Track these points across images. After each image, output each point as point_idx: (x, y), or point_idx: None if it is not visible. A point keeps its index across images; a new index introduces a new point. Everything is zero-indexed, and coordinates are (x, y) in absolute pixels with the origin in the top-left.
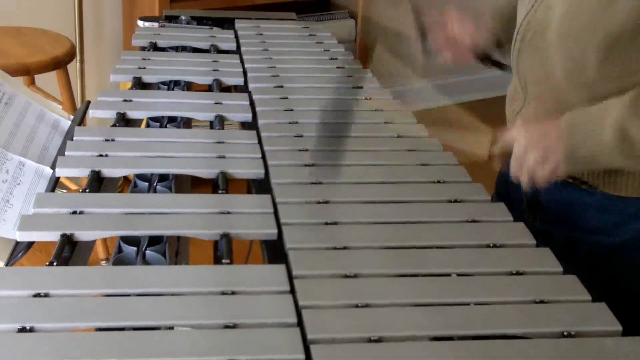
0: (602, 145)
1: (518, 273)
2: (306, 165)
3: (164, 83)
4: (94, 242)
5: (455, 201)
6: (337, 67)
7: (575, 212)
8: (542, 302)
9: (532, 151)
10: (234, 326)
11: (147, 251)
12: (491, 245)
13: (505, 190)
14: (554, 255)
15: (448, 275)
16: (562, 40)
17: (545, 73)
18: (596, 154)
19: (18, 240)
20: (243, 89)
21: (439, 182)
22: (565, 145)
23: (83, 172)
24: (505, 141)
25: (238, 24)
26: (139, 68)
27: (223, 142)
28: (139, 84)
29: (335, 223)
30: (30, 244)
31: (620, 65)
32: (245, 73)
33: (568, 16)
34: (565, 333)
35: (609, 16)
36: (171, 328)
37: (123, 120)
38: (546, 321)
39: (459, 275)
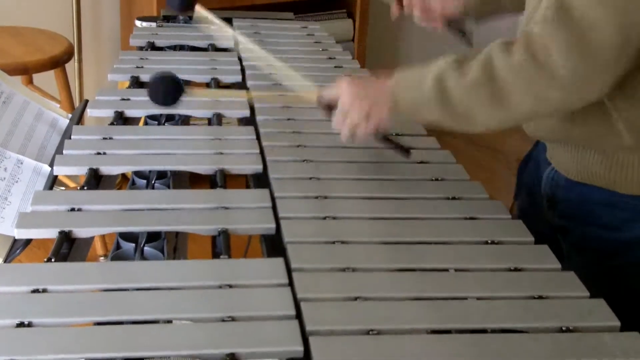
0: (422, 96)
1: (516, 269)
2: (304, 161)
3: None
4: (92, 238)
5: (454, 198)
6: (335, 67)
7: (588, 209)
8: (540, 297)
9: (356, 106)
10: (233, 319)
11: (145, 247)
12: (489, 241)
13: (527, 189)
14: (564, 249)
15: (446, 270)
16: None
17: None
18: (417, 104)
19: (16, 237)
20: (241, 86)
21: (437, 179)
22: (390, 99)
23: (81, 170)
24: (330, 94)
25: (236, 23)
26: (137, 67)
27: (221, 139)
28: (137, 83)
29: (333, 217)
30: (28, 241)
31: None
32: (243, 71)
33: None
34: (563, 328)
35: None
36: (170, 322)
37: (121, 119)
38: (544, 316)
39: (457, 270)
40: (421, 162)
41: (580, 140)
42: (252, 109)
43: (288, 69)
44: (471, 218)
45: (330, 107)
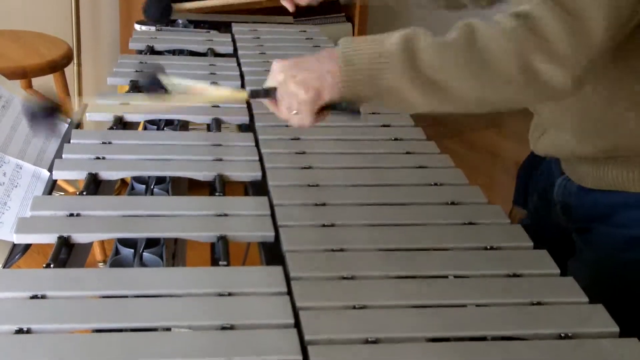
0: (383, 55)
1: (515, 275)
2: (303, 168)
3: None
4: (91, 244)
5: (453, 203)
6: None
7: (602, 211)
8: (539, 303)
9: (292, 78)
10: (232, 327)
11: (144, 253)
12: (488, 247)
13: (539, 194)
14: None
15: (445, 277)
16: None
17: (552, 103)
18: (375, 65)
19: (15, 242)
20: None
21: (436, 184)
22: (341, 56)
23: (80, 175)
24: (268, 81)
25: (235, 27)
26: (136, 71)
27: (220, 145)
28: (136, 87)
29: (332, 225)
30: (27, 246)
31: None
32: (242, 76)
33: None
34: (562, 334)
35: None
36: (168, 329)
37: (120, 124)
38: (543, 323)
39: (456, 277)
40: (420, 167)
41: (602, 154)
42: (251, 115)
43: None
44: (470, 223)
45: (268, 94)
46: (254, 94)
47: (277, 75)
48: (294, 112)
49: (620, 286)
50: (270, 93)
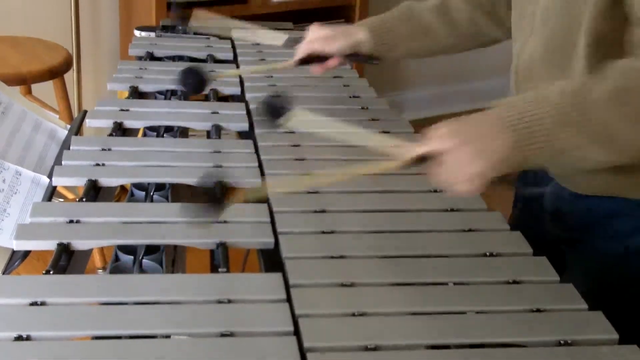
0: (547, 114)
1: (515, 282)
2: (303, 175)
3: (160, 92)
4: (90, 251)
5: (452, 210)
6: (334, 77)
7: (595, 220)
8: (538, 310)
9: (459, 148)
10: (231, 334)
11: (143, 260)
12: (488, 254)
13: (524, 202)
14: (566, 260)
15: (445, 284)
16: (548, 71)
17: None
18: (541, 118)
19: (15, 249)
20: (240, 98)
21: (435, 191)
22: (503, 129)
23: (80, 181)
24: (425, 147)
25: (235, 33)
26: (136, 77)
27: (220, 152)
28: (136, 93)
29: (332, 232)
30: (27, 253)
31: None
32: (242, 82)
33: (549, 47)
34: (561, 341)
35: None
36: (168, 336)
37: (120, 130)
38: (543, 330)
39: (455, 284)
40: (419, 174)
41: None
42: (251, 122)
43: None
44: (470, 230)
45: (424, 160)
46: (416, 162)
47: (444, 141)
48: (460, 181)
49: (616, 296)
50: (432, 158)
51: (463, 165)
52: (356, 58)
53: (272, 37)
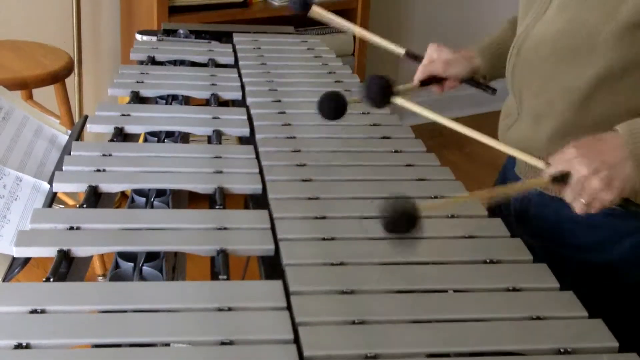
0: None
1: (515, 289)
2: (304, 181)
3: (162, 97)
4: (90, 257)
5: (452, 217)
6: (336, 82)
7: (564, 228)
8: (538, 318)
9: (595, 174)
10: (231, 342)
11: (144, 267)
12: (488, 261)
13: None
14: None
15: (445, 291)
16: (557, 55)
17: (539, 87)
18: None
19: (15, 256)
20: (241, 103)
21: (436, 197)
22: (632, 156)
23: (80, 187)
24: (559, 166)
25: (236, 37)
26: (137, 82)
27: (220, 157)
28: (137, 98)
29: (332, 239)
30: (27, 260)
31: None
32: (243, 87)
33: (565, 33)
34: (561, 349)
35: (607, 32)
36: (168, 345)
37: (121, 135)
38: (543, 337)
39: (455, 291)
40: (420, 179)
41: None
42: (252, 127)
43: None
44: (470, 236)
45: (562, 181)
46: (555, 180)
47: (576, 164)
48: (587, 202)
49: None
50: (565, 179)
51: (591, 191)
52: (473, 84)
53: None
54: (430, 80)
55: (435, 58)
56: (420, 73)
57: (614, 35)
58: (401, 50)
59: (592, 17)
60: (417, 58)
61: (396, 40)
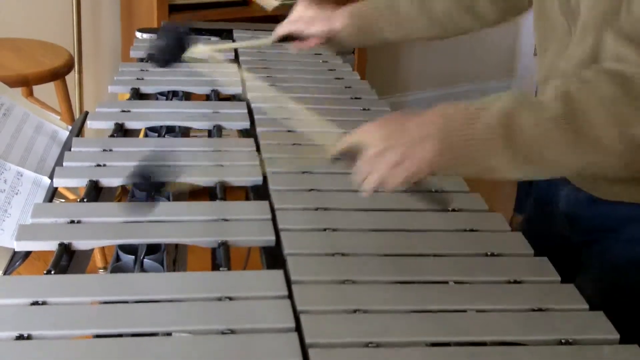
0: (482, 130)
1: (516, 282)
2: (304, 173)
3: (162, 94)
4: (91, 251)
5: (453, 210)
6: (336, 78)
7: (613, 224)
8: (539, 310)
9: (388, 152)
10: (232, 332)
11: (145, 260)
12: (489, 254)
13: (538, 204)
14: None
15: (445, 282)
16: None
17: None
18: (476, 139)
19: (16, 249)
20: (241, 98)
21: (437, 191)
22: (441, 134)
23: (81, 182)
24: (353, 140)
25: (236, 34)
26: (137, 79)
27: (221, 151)
28: (137, 95)
29: (333, 229)
30: (28, 253)
31: None
32: (243, 83)
33: (587, 60)
34: (562, 340)
35: None
36: (169, 334)
37: (121, 131)
38: (544, 329)
39: (456, 282)
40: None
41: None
42: (252, 120)
43: (303, 110)
44: (471, 230)
45: (353, 157)
46: (343, 153)
47: (372, 139)
48: (379, 177)
49: (628, 300)
50: (356, 154)
51: (383, 166)
52: (329, 45)
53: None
54: (291, 38)
55: (297, 17)
56: (280, 30)
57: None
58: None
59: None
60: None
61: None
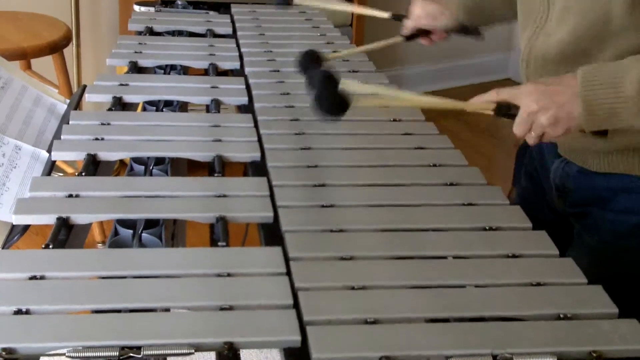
0: (623, 101)
1: (514, 256)
2: (302, 149)
3: (160, 67)
4: (90, 225)
5: (452, 184)
6: (334, 51)
7: (603, 195)
8: (538, 284)
9: (544, 111)
10: (230, 308)
11: (143, 234)
12: (487, 228)
13: (528, 176)
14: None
15: (444, 257)
16: (567, 62)
17: None
18: (616, 108)
19: (14, 223)
20: (239, 73)
21: (434, 165)
22: (582, 102)
23: (79, 156)
24: (509, 98)
25: (234, 8)
26: (135, 52)
27: (219, 126)
28: (136, 69)
29: (331, 206)
30: (26, 227)
31: None
32: (241, 57)
33: (570, 42)
34: (561, 315)
35: None
36: (167, 310)
37: (119, 105)
38: (542, 303)
39: (455, 257)
40: (419, 148)
41: (614, 147)
42: (250, 96)
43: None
44: (469, 204)
45: (507, 112)
46: (500, 109)
47: (527, 100)
48: (537, 135)
49: (621, 271)
50: (510, 111)
51: (539, 126)
52: (461, 32)
53: (372, 12)
54: (417, 35)
55: (422, 14)
56: (407, 28)
57: (623, 27)
58: (386, 14)
59: (593, 26)
60: (403, 18)
61: (396, 10)
